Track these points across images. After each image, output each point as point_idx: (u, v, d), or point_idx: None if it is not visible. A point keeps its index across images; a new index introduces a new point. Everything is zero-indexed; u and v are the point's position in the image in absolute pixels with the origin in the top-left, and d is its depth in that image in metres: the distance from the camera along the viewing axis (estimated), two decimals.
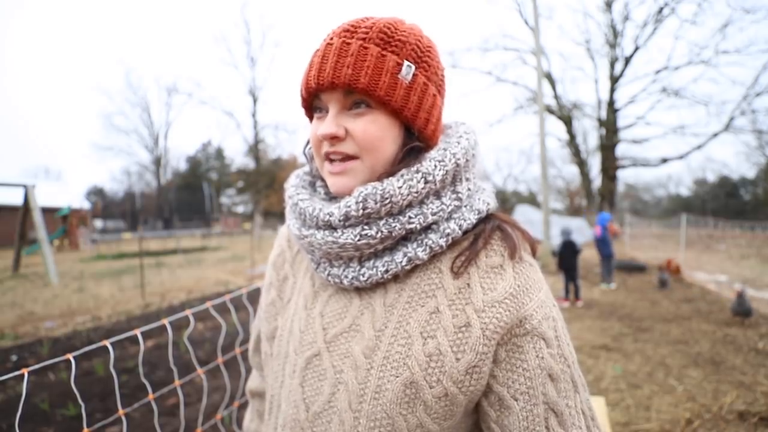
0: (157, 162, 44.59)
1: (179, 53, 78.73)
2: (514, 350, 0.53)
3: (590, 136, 32.32)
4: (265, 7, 71.67)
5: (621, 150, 24.86)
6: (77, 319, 6.23)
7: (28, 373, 1.08)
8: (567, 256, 6.72)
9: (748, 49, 18.84)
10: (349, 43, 0.55)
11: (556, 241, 10.24)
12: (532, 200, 45.55)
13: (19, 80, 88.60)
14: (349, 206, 0.55)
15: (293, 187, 0.67)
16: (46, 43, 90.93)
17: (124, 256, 16.39)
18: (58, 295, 8.18)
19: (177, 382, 1.67)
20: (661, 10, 20.22)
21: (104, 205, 43.14)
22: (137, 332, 1.38)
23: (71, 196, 26.18)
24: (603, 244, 8.23)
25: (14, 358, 4.50)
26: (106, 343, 1.24)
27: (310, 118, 0.64)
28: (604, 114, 24.31)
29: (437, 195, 0.58)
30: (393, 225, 0.55)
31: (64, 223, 19.79)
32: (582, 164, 27.14)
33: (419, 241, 0.57)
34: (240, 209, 54.65)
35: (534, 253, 0.63)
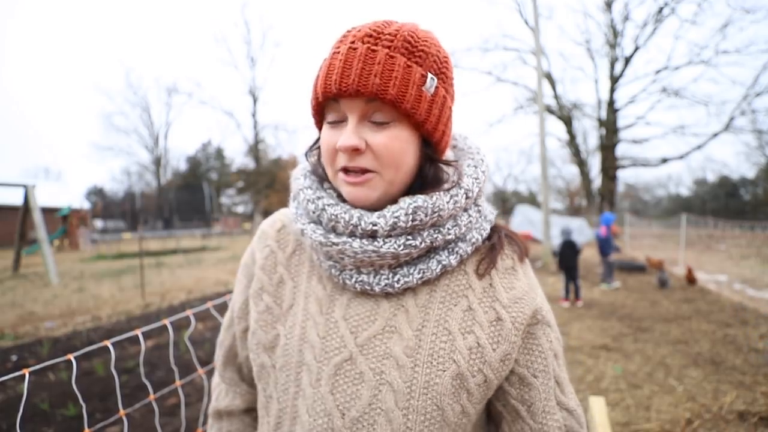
0: (157, 162, 44.59)
1: (179, 53, 78.81)
2: (529, 337, 0.63)
3: (590, 136, 32.35)
4: (265, 7, 71.61)
5: (621, 150, 24.88)
6: (77, 319, 6.23)
7: (29, 373, 1.08)
8: (567, 256, 6.72)
9: (748, 49, 18.85)
10: (375, 51, 0.53)
11: (556, 241, 10.24)
12: (532, 200, 45.57)
13: (19, 80, 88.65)
14: (398, 217, 0.55)
15: (309, 189, 0.64)
16: (46, 43, 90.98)
17: (124, 256, 16.38)
18: (58, 295, 8.18)
19: (178, 383, 1.67)
20: (661, 10, 20.23)
21: (104, 205, 43.06)
22: (138, 332, 1.38)
23: (71, 196, 26.18)
24: (606, 244, 8.23)
25: (14, 358, 4.50)
26: (107, 343, 1.24)
27: (318, 122, 0.62)
28: (604, 114, 24.31)
29: (464, 209, 0.63)
30: (435, 236, 0.59)
31: (64, 223, 19.78)
32: (582, 164, 27.14)
33: (450, 249, 0.62)
34: (240, 209, 54.65)
35: (527, 255, 0.71)
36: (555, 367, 0.63)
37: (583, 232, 17.05)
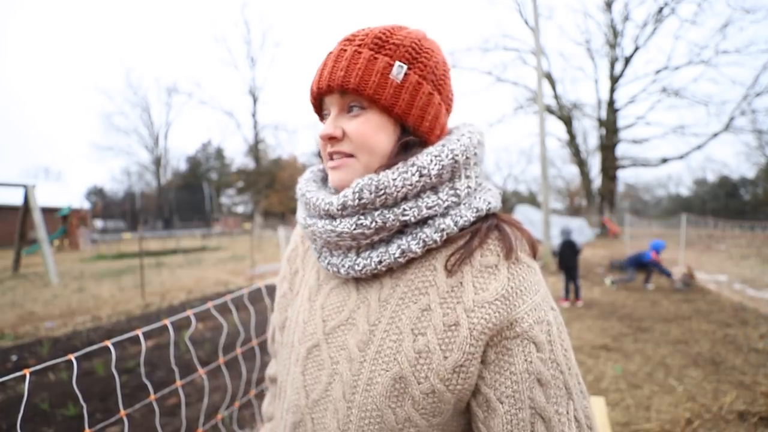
0: (157, 162, 44.60)
1: (179, 53, 78.81)
2: (504, 353, 0.53)
3: (590, 136, 32.41)
4: (265, 7, 71.60)
5: (621, 150, 24.92)
6: (77, 319, 6.23)
7: (29, 373, 1.08)
8: (567, 256, 6.72)
9: (748, 49, 18.89)
10: (345, 50, 0.59)
11: (556, 241, 10.24)
12: (532, 200, 45.58)
13: (19, 80, 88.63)
14: (346, 196, 0.57)
15: (305, 180, 0.70)
16: (46, 43, 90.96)
17: (124, 256, 16.38)
18: (58, 295, 8.18)
19: (178, 383, 1.68)
20: (661, 10, 20.26)
21: (104, 205, 43.07)
22: (139, 332, 1.38)
23: (71, 196, 26.17)
24: (659, 267, 8.01)
25: (14, 358, 4.50)
26: (108, 343, 1.24)
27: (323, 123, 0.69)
28: (604, 114, 24.33)
29: (434, 190, 0.59)
30: (387, 216, 0.56)
31: (64, 223, 19.78)
32: (582, 164, 27.16)
33: (413, 235, 0.58)
34: (240, 209, 54.65)
35: (535, 255, 0.61)
36: (536, 396, 0.51)
37: (583, 232, 17.05)
